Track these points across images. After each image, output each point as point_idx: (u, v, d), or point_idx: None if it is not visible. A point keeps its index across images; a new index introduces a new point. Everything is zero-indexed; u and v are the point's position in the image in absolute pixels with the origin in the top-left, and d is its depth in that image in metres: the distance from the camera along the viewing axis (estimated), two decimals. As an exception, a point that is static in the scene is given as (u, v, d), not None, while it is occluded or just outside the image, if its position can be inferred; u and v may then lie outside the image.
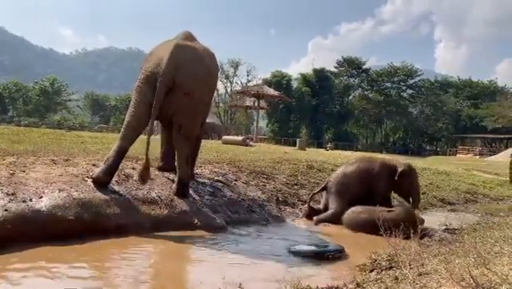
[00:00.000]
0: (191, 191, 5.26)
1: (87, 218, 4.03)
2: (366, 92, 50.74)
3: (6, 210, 3.61)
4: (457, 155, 37.20)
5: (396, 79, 49.53)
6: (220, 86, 49.76)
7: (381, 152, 36.84)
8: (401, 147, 46.76)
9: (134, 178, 5.02)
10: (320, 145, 36.15)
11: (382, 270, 3.29)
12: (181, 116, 4.92)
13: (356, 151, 33.10)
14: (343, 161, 7.95)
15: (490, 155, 33.88)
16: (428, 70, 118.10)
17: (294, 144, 24.87)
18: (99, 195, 4.35)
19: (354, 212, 5.55)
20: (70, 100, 54.59)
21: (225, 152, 8.69)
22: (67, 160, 5.33)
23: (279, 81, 45.38)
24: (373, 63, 72.76)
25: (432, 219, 6.61)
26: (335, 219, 5.72)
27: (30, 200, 3.86)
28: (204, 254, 3.92)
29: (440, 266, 2.75)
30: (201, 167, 6.58)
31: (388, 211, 5.30)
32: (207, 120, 6.45)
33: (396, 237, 3.61)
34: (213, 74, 5.39)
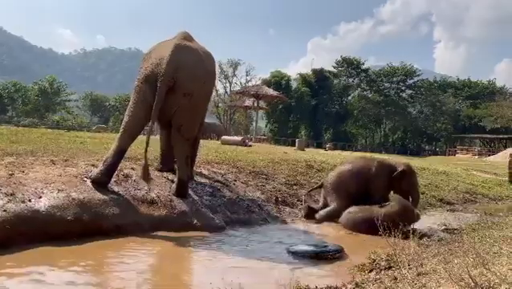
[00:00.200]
0: (190, 191, 5.25)
1: (86, 219, 4.02)
2: (365, 92, 50.69)
3: (4, 211, 3.60)
4: (456, 155, 37.20)
5: (395, 79, 49.51)
6: (219, 86, 49.82)
7: (380, 152, 36.85)
8: (400, 147, 46.74)
9: (133, 178, 5.02)
10: (319, 145, 36.12)
11: (381, 270, 3.29)
12: (181, 116, 4.92)
13: (355, 151, 33.10)
14: (342, 161, 7.95)
15: (489, 155, 33.87)
16: (427, 70, 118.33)
17: (293, 145, 24.85)
18: (98, 195, 4.35)
19: (351, 212, 5.57)
20: (69, 100, 54.44)
21: (225, 153, 8.69)
22: (66, 160, 5.32)
23: (278, 81, 45.32)
24: (372, 63, 72.76)
25: (432, 219, 6.62)
26: (335, 216, 5.74)
27: (29, 200, 3.86)
28: (203, 255, 3.92)
29: (440, 266, 2.75)
30: (200, 167, 6.58)
31: (382, 206, 5.31)
32: (207, 121, 6.45)
33: (394, 237, 3.61)
34: (212, 74, 5.41)
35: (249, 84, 46.40)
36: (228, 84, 52.08)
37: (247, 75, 51.65)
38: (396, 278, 2.78)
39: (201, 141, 6.71)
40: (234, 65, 51.44)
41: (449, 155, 38.31)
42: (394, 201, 5.42)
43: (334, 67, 50.45)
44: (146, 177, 4.71)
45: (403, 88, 50.50)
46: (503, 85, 50.75)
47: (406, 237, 3.83)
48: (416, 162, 12.30)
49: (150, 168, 4.97)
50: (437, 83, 52.43)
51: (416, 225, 5.17)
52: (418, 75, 50.21)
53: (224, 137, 15.66)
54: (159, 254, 3.97)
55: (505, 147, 37.91)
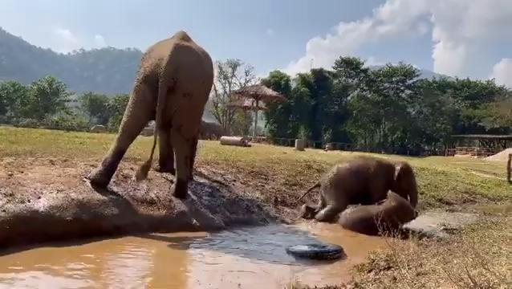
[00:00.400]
0: (189, 192, 5.25)
1: (86, 219, 4.02)
2: (364, 93, 50.71)
3: (4, 211, 3.60)
4: (456, 155, 37.20)
5: (394, 79, 49.55)
6: (218, 86, 49.79)
7: (380, 152, 36.85)
8: (400, 147, 46.75)
9: (132, 179, 5.01)
10: (319, 146, 36.09)
11: (380, 271, 3.29)
12: (181, 116, 4.91)
13: (355, 151, 33.11)
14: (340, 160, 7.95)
15: (488, 155, 33.88)
16: (426, 70, 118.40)
17: (292, 145, 24.82)
18: (98, 196, 4.35)
19: (349, 212, 5.58)
20: (68, 101, 54.38)
21: (224, 153, 8.68)
22: (65, 160, 5.32)
23: (278, 81, 45.32)
24: (371, 63, 72.68)
25: (431, 219, 6.62)
26: (334, 215, 5.75)
27: (29, 200, 3.86)
28: (202, 255, 3.92)
29: (439, 266, 2.75)
30: (199, 167, 6.58)
31: (379, 204, 5.33)
32: (206, 121, 6.46)
33: (394, 237, 3.61)
34: (210, 74, 5.42)
35: (249, 84, 46.41)
36: (227, 84, 52.08)
37: (246, 76, 51.68)
38: (395, 279, 2.78)
39: (201, 141, 6.71)
40: (233, 65, 51.42)
41: (448, 155, 38.32)
42: (390, 198, 5.44)
43: (333, 68, 50.46)
44: (141, 174, 4.68)
45: (402, 88, 50.52)
46: (502, 85, 50.85)
47: (405, 237, 3.83)
48: (415, 162, 12.31)
49: (150, 168, 4.95)
50: (436, 83, 52.48)
51: (416, 225, 5.18)
52: (417, 76, 50.25)
53: (223, 137, 15.66)
54: (158, 255, 3.97)
55: (505, 147, 37.96)
